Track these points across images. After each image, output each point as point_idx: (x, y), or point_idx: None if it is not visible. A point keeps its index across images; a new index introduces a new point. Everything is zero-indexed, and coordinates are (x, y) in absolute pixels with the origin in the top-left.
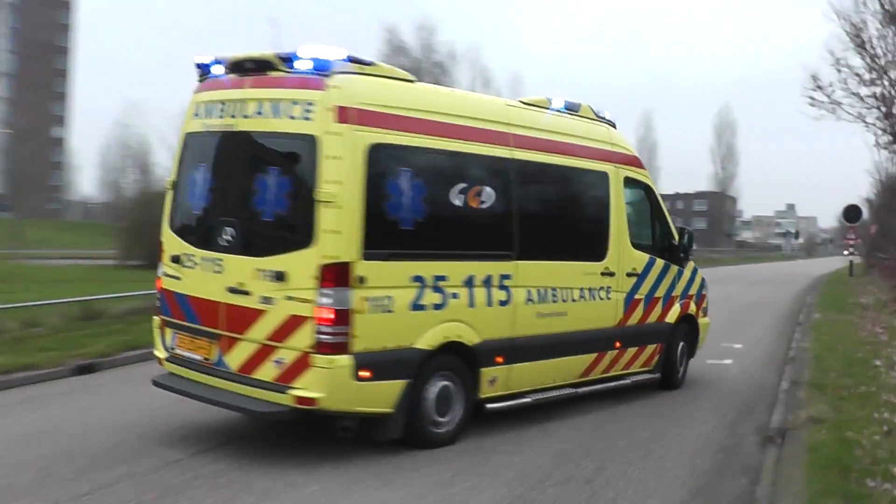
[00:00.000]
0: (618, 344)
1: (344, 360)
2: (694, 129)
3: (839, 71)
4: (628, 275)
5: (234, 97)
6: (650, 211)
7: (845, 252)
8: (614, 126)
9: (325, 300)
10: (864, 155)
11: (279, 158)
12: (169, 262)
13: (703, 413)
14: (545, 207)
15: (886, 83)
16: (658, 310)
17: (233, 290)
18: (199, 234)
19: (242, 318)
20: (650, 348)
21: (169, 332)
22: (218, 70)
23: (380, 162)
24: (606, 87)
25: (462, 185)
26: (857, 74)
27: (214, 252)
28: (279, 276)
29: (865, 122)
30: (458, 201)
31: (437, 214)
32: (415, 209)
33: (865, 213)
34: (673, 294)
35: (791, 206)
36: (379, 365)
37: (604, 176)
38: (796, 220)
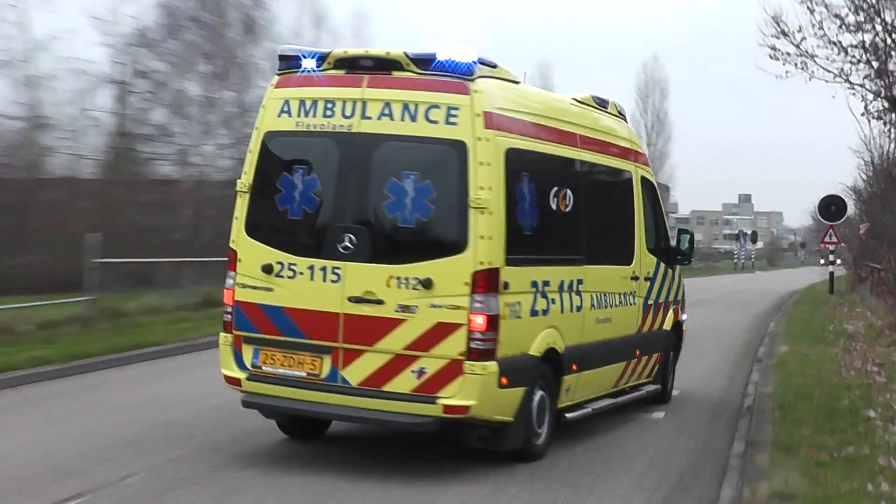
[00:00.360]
0: (637, 352)
1: (494, 366)
2: (610, 88)
3: (811, 11)
4: (645, 279)
5: (349, 96)
6: (654, 211)
7: (823, 260)
8: (626, 119)
9: (478, 306)
10: (847, 128)
11: (418, 163)
12: (253, 272)
13: (624, 487)
14: (599, 210)
15: (879, 28)
16: (661, 316)
17: (357, 300)
18: (304, 241)
19: (371, 329)
20: (654, 357)
21: (248, 348)
22: (310, 64)
23: (511, 167)
24: (490, 30)
25: (555, 189)
26: (838, 16)
27: (329, 260)
28: (426, 284)
29: (849, 82)
30: (553, 205)
31: (544, 219)
32: (532, 214)
33: (850, 207)
34: (668, 299)
35: (746, 198)
36: (511, 372)
37: (630, 176)
38: (753, 216)
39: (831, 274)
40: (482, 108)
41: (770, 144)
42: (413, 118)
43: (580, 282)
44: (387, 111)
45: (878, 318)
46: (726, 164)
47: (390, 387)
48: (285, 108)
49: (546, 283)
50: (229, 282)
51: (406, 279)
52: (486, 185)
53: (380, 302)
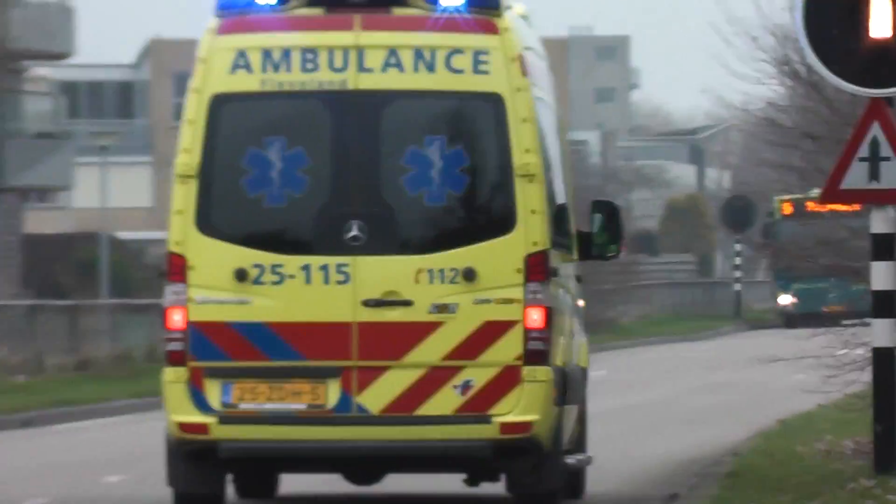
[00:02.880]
0: None
1: (552, 373)
2: None
3: None
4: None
5: (337, 42)
6: None
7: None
8: None
9: (535, 297)
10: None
11: (443, 125)
12: (216, 282)
13: None
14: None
15: None
16: None
17: (376, 303)
18: (293, 234)
19: (397, 339)
20: None
21: (214, 383)
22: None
23: (539, 125)
24: None
25: (558, 147)
26: None
27: (332, 256)
28: (467, 275)
29: None
30: (560, 170)
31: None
32: (554, 182)
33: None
34: None
35: None
36: (562, 384)
37: None
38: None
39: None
40: (516, 50)
41: None
42: (430, 68)
43: (578, 278)
44: (393, 60)
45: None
46: None
47: (427, 409)
48: (241, 62)
49: (563, 273)
50: (174, 298)
51: (441, 271)
52: (532, 147)
53: (407, 303)
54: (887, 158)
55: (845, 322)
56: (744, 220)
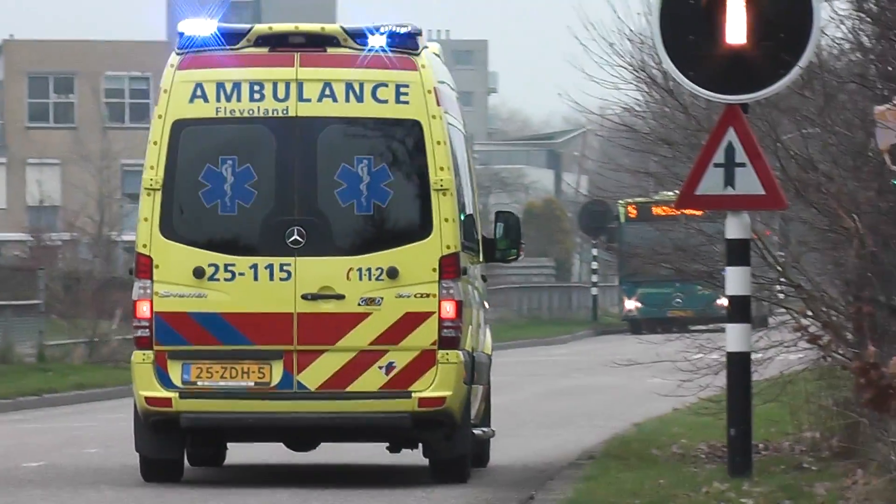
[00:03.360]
0: None
1: (461, 355)
2: None
3: None
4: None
5: (279, 77)
6: None
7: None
8: None
9: (447, 292)
10: None
11: (370, 146)
12: (177, 278)
13: None
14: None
15: None
16: None
17: (314, 297)
18: (243, 238)
19: (331, 327)
20: None
21: (176, 364)
22: (213, 40)
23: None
24: None
25: (467, 166)
26: None
27: (276, 256)
28: (391, 273)
29: None
30: (468, 186)
31: (468, 200)
32: (464, 195)
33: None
34: None
35: None
36: (470, 367)
37: None
38: None
39: None
40: (431, 84)
41: None
42: (359, 98)
43: (483, 277)
44: (328, 92)
45: None
46: None
47: (356, 386)
48: (198, 93)
49: (471, 272)
50: (141, 292)
51: (368, 270)
52: (445, 165)
53: (340, 297)
54: (742, 164)
55: (693, 328)
56: (601, 224)
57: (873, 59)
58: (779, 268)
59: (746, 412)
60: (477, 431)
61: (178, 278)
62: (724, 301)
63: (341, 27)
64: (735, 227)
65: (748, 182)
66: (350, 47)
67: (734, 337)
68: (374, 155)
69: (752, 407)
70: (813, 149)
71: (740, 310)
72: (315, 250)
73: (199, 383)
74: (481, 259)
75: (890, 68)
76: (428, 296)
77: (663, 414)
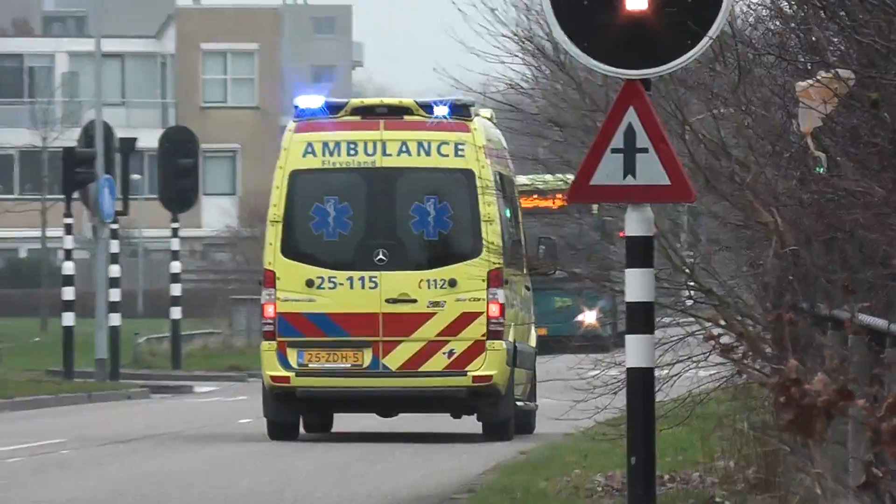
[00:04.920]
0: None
1: (505, 345)
2: None
3: None
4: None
5: (369, 138)
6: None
7: None
8: None
9: (494, 297)
10: None
11: (435, 188)
12: (294, 287)
13: None
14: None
15: None
16: None
17: (394, 301)
18: (342, 257)
19: (408, 323)
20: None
21: (293, 351)
22: (320, 111)
23: (498, 187)
24: None
25: (511, 204)
26: None
27: (367, 271)
28: (451, 283)
29: None
30: (512, 218)
31: (513, 230)
32: (506, 226)
33: None
34: None
35: None
36: (514, 354)
37: None
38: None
39: None
40: (481, 142)
41: None
42: (427, 153)
43: (527, 287)
44: (404, 148)
45: None
46: None
47: (426, 367)
48: (310, 150)
49: (513, 283)
50: (267, 297)
51: (434, 281)
52: (490, 202)
53: (413, 301)
54: (644, 150)
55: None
56: None
57: (794, 27)
58: (686, 270)
59: (649, 438)
60: (519, 403)
61: (295, 287)
62: (586, 317)
63: (415, 101)
64: (635, 222)
65: (651, 170)
66: (421, 115)
67: (635, 350)
68: (438, 195)
69: (656, 432)
70: (726, 132)
71: (642, 318)
72: (395, 266)
73: (310, 365)
74: (526, 272)
75: (814, 38)
76: (479, 300)
77: (554, 441)
